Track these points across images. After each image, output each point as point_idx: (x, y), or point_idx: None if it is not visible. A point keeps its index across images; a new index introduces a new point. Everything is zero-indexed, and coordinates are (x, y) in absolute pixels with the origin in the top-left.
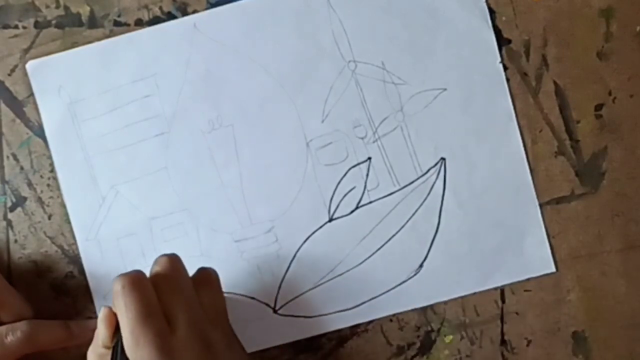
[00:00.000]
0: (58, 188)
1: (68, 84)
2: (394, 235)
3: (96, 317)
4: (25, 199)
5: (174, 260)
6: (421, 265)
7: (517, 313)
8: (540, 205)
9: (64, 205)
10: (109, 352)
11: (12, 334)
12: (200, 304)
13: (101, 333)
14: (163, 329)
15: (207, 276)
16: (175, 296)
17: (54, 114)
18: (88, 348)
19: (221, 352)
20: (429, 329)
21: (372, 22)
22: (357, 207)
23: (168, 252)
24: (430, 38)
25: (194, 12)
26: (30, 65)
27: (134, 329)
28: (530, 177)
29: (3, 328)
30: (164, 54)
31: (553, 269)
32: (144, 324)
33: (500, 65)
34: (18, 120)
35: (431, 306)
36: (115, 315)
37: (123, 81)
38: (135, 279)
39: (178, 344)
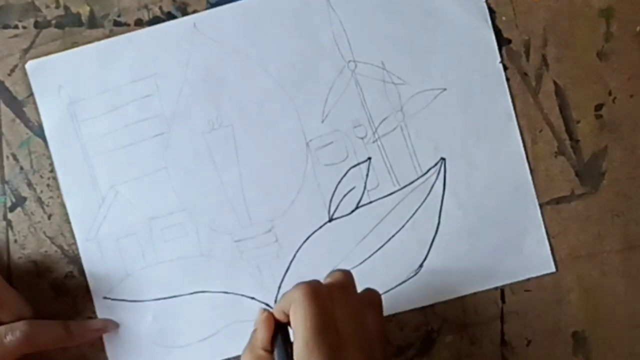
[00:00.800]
0: (58, 188)
1: (68, 84)
2: (393, 235)
3: (96, 317)
4: (25, 199)
5: (349, 276)
6: (421, 265)
7: (517, 313)
8: (540, 205)
9: (63, 205)
10: (268, 354)
11: (12, 334)
12: (367, 324)
13: (261, 335)
14: (337, 344)
15: (373, 297)
16: (349, 312)
17: (54, 114)
18: (88, 348)
19: None
20: (429, 329)
21: (372, 22)
22: (357, 207)
23: (169, 252)
24: (430, 38)
25: (194, 12)
26: (29, 65)
27: (310, 339)
28: (529, 177)
29: (2, 328)
30: (164, 54)
31: (553, 269)
32: (320, 336)
33: (500, 65)
34: (18, 120)
35: (431, 306)
36: (274, 318)
37: (123, 81)
38: (317, 290)
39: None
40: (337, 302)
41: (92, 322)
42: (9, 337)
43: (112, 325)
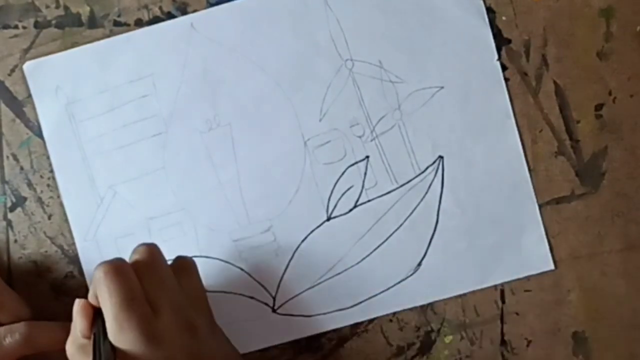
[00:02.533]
0: (58, 188)
1: (65, 84)
2: (392, 234)
3: None
4: (25, 199)
5: (152, 249)
6: (420, 264)
7: (517, 313)
8: (540, 206)
9: (63, 205)
10: (90, 342)
11: (10, 336)
12: (181, 290)
13: (79, 324)
14: (147, 313)
15: (185, 264)
16: (157, 282)
17: (52, 115)
18: None
19: (205, 336)
20: (429, 329)
21: (369, 21)
22: (355, 206)
23: (167, 252)
24: (427, 36)
25: (194, 12)
26: (27, 66)
27: (118, 314)
28: (528, 175)
29: (1, 329)
30: (161, 54)
31: (552, 267)
32: (127, 309)
33: (498, 63)
34: (18, 120)
35: (431, 306)
36: (91, 305)
37: (120, 81)
38: (117, 266)
39: (162, 327)
40: (145, 274)
41: None
42: (7, 339)
43: None
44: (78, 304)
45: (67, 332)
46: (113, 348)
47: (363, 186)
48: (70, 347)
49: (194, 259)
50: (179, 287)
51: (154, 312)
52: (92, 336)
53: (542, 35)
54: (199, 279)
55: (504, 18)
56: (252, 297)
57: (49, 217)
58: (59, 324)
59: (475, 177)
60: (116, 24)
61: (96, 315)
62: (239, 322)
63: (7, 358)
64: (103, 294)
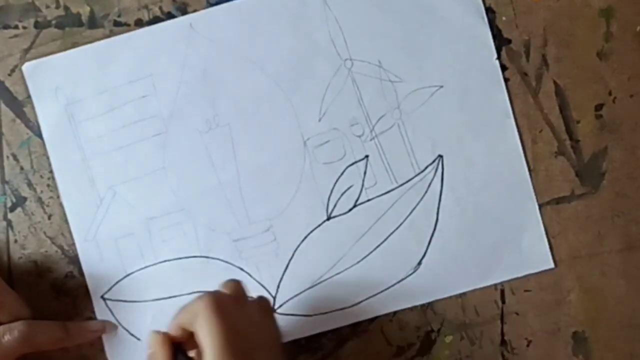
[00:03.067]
0: (58, 188)
1: (65, 85)
2: (392, 233)
3: (96, 318)
4: (25, 199)
5: (241, 285)
6: (420, 263)
7: (517, 313)
8: (540, 206)
9: (63, 206)
10: None
11: (9, 334)
12: (265, 329)
13: (161, 356)
14: (247, 349)
15: (264, 305)
16: (249, 318)
17: (51, 116)
18: (88, 349)
19: None
20: (429, 329)
21: (368, 20)
22: (355, 206)
23: (167, 252)
24: (426, 35)
25: (194, 12)
26: (26, 67)
27: (222, 351)
28: (527, 174)
29: (0, 328)
30: (160, 54)
31: (552, 265)
32: (230, 346)
33: (497, 62)
34: (18, 121)
35: (431, 306)
36: (169, 336)
37: (119, 82)
38: (219, 300)
39: None
40: (238, 309)
41: (91, 323)
42: (6, 337)
43: (110, 327)
44: (157, 338)
45: (66, 331)
46: None
47: (363, 185)
48: None
49: (195, 259)
50: (264, 326)
51: (251, 347)
52: None
53: (542, 36)
54: (275, 321)
55: (504, 18)
56: (252, 297)
57: (49, 217)
58: (58, 323)
59: (475, 177)
60: (116, 24)
61: (176, 348)
62: None
63: (6, 356)
64: (206, 329)
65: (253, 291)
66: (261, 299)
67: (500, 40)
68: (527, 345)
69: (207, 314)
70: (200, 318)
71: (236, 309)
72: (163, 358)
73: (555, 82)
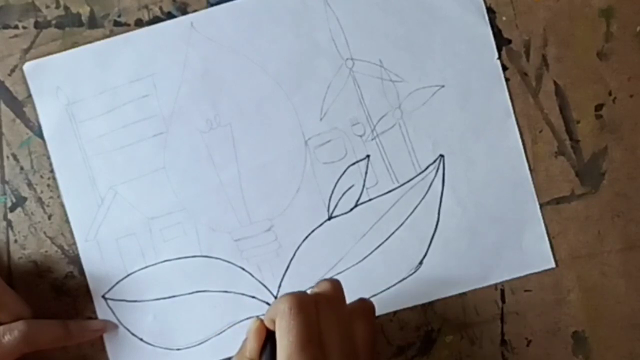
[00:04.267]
0: (58, 188)
1: (65, 85)
2: (393, 233)
3: (96, 318)
4: (25, 199)
5: (336, 286)
6: (421, 262)
7: (517, 313)
8: (541, 205)
9: (64, 206)
10: None
11: (10, 334)
12: (354, 336)
13: (251, 345)
14: (320, 357)
15: (365, 307)
16: (334, 323)
17: (52, 115)
18: (89, 348)
19: None
20: (429, 329)
21: (369, 20)
22: (356, 205)
23: (168, 252)
24: (427, 35)
25: (194, 12)
26: (27, 66)
27: (293, 354)
28: (528, 173)
29: (1, 328)
30: (161, 54)
31: (553, 265)
32: (302, 351)
33: (498, 62)
34: (18, 121)
35: (431, 306)
36: (266, 328)
37: (120, 81)
38: (302, 302)
39: None
40: (323, 313)
41: (91, 322)
42: (7, 337)
43: (111, 326)
44: (255, 324)
45: (67, 330)
46: None
47: (364, 185)
48: None
49: (196, 259)
50: (352, 333)
51: (324, 355)
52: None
53: (542, 36)
54: (374, 325)
55: (504, 18)
56: (253, 297)
57: (49, 217)
58: (59, 322)
59: (476, 176)
60: (116, 24)
61: (267, 339)
62: (240, 322)
63: (7, 356)
64: (282, 328)
65: (254, 291)
66: (361, 301)
67: (500, 40)
68: (527, 345)
69: (285, 313)
70: (278, 316)
71: (323, 312)
72: (253, 344)
73: (555, 82)
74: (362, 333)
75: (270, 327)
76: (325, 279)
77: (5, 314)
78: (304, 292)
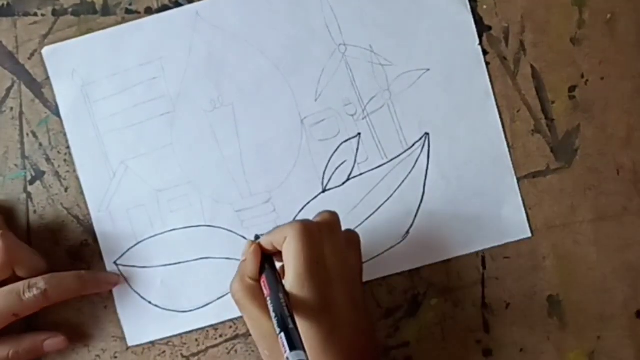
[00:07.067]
0: (74, 163)
1: (81, 67)
2: (382, 205)
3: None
4: (43, 173)
5: (335, 216)
6: (407, 232)
7: (496, 278)
8: (518, 179)
9: (79, 179)
10: (256, 283)
11: (30, 291)
12: (348, 261)
13: (250, 266)
14: (325, 277)
15: (354, 237)
16: (335, 249)
17: (68, 96)
18: (101, 311)
19: (362, 311)
20: (416, 292)
21: (361, 8)
22: (348, 179)
23: (175, 221)
24: (414, 22)
25: (200, 0)
26: (46, 51)
27: (303, 273)
28: (507, 150)
29: (21, 284)
30: (169, 40)
31: (529, 234)
32: (311, 270)
33: (479, 47)
34: (37, 101)
35: (418, 272)
36: (261, 247)
37: (131, 65)
38: (310, 228)
39: (335, 296)
40: (326, 239)
41: (105, 274)
42: (27, 294)
43: (121, 280)
44: (252, 246)
45: (82, 282)
46: (287, 295)
47: (355, 161)
48: (236, 286)
49: (200, 228)
50: (348, 258)
51: (329, 277)
52: (262, 280)
53: (520, 23)
54: (361, 254)
55: (484, 7)
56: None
57: (66, 190)
58: (74, 274)
59: (458, 152)
60: (128, 12)
61: (264, 261)
62: None
63: (28, 311)
64: (292, 250)
65: None
66: (350, 232)
67: (481, 27)
68: (506, 308)
69: (295, 239)
70: (288, 241)
71: (325, 239)
72: (252, 265)
73: (532, 66)
74: (353, 260)
75: (268, 248)
76: (326, 210)
77: (24, 270)
78: (310, 220)
